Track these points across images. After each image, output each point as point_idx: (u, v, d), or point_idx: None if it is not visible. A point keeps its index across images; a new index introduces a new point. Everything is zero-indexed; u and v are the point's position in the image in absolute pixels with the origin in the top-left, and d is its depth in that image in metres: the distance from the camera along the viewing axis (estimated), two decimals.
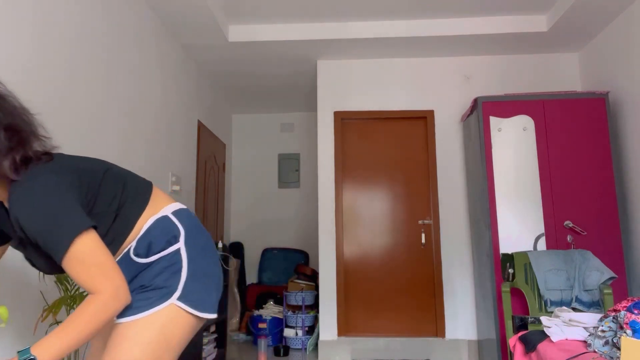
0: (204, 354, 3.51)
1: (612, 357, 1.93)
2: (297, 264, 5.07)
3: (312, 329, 4.64)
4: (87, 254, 1.11)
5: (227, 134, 5.92)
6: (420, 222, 4.35)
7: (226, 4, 3.77)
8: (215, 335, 3.86)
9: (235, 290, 5.34)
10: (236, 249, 5.84)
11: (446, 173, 4.36)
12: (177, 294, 1.23)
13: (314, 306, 4.78)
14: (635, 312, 1.97)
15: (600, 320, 2.18)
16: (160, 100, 3.72)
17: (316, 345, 4.53)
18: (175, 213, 1.33)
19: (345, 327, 4.23)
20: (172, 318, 1.22)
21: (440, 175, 4.36)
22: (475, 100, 3.84)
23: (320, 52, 4.40)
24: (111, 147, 2.93)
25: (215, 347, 3.86)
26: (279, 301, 5.18)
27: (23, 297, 2.12)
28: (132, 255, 1.26)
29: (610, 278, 2.96)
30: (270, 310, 4.86)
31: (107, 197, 1.24)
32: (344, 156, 4.49)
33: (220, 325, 4.06)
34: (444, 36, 4.07)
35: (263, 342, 3.91)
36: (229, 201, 5.99)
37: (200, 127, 4.78)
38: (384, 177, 4.45)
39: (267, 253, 5.82)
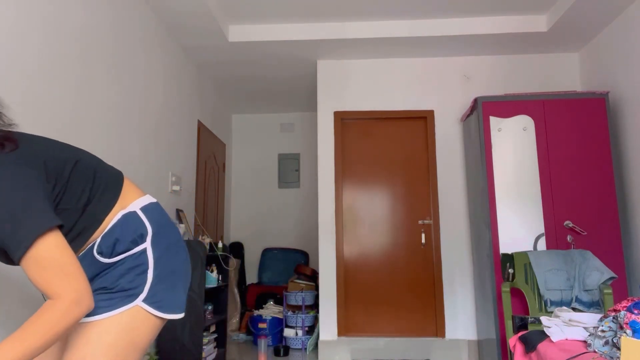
0: (204, 354, 3.51)
1: (612, 357, 1.93)
2: (297, 264, 5.07)
3: (312, 329, 4.64)
4: (48, 256, 1.01)
5: (227, 134, 5.92)
6: (420, 222, 4.35)
7: (226, 4, 3.77)
8: (215, 335, 3.86)
9: (235, 290, 5.34)
10: (236, 249, 5.84)
11: (446, 173, 4.36)
12: (143, 295, 1.18)
13: (314, 306, 4.78)
14: (635, 312, 1.97)
15: (600, 320, 2.18)
16: (161, 100, 3.72)
17: (316, 345, 4.53)
18: (144, 209, 1.25)
19: (345, 327, 4.23)
20: (137, 320, 1.17)
21: (440, 175, 4.36)
22: (475, 100, 3.84)
23: (320, 52, 4.40)
24: (111, 146, 2.93)
25: (215, 347, 3.86)
26: (279, 301, 5.18)
27: (25, 298, 2.12)
28: (95, 254, 1.19)
29: (610, 278, 2.96)
30: (270, 310, 4.86)
31: (75, 191, 1.15)
32: (344, 156, 4.49)
33: (220, 325, 4.06)
34: (444, 36, 4.07)
35: (263, 342, 3.91)
36: (229, 201, 5.99)
37: (200, 127, 4.78)
38: (384, 177, 4.45)
39: (267, 253, 5.82)
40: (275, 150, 6.16)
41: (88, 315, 1.15)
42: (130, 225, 1.21)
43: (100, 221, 1.19)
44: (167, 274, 1.23)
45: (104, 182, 1.22)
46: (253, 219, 6.02)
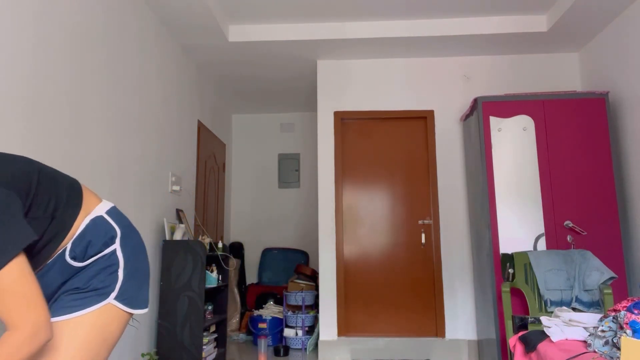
0: (204, 354, 3.51)
1: (612, 357, 1.93)
2: (297, 264, 5.07)
3: (312, 329, 4.64)
4: (12, 283, 1.01)
5: (227, 134, 5.92)
6: (420, 222, 4.35)
7: (226, 4, 3.77)
8: (215, 335, 3.86)
9: (235, 290, 5.34)
10: (236, 249, 5.84)
11: (446, 173, 4.36)
12: (114, 294, 1.25)
13: (314, 306, 4.78)
14: (635, 312, 1.97)
15: (600, 320, 2.18)
16: (160, 100, 3.72)
17: (316, 345, 4.53)
18: (108, 213, 1.32)
19: (345, 327, 4.23)
20: (109, 316, 1.23)
21: (440, 175, 4.36)
22: (475, 100, 3.84)
23: (320, 52, 4.40)
24: (110, 146, 2.93)
25: (215, 347, 3.86)
26: (279, 301, 5.18)
27: None
28: (67, 258, 1.23)
29: (610, 278, 2.96)
30: (270, 310, 4.86)
31: (42, 201, 1.17)
32: (344, 156, 4.49)
33: (220, 325, 4.06)
34: (444, 36, 4.07)
35: (263, 342, 3.91)
36: (229, 201, 5.99)
37: (200, 127, 4.78)
38: (384, 177, 4.45)
39: (267, 253, 5.82)
40: (275, 150, 6.16)
41: (62, 314, 1.19)
42: (100, 229, 1.27)
43: (69, 227, 1.22)
44: (134, 272, 1.31)
45: (67, 189, 1.25)
46: (253, 218, 6.02)
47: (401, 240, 4.34)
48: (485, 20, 4.04)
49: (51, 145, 2.34)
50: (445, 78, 4.50)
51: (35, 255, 1.19)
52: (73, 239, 1.23)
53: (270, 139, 6.21)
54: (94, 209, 1.30)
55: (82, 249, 1.23)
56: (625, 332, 1.94)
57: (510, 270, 3.19)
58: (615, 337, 2.00)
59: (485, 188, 3.69)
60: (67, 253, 1.23)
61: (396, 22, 4.09)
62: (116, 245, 1.28)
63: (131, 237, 1.34)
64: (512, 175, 3.70)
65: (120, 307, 1.25)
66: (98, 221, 1.27)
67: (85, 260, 1.24)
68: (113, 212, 1.34)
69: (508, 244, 3.59)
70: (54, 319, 1.19)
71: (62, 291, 1.23)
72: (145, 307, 1.34)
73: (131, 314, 1.31)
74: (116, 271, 1.26)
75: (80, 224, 1.25)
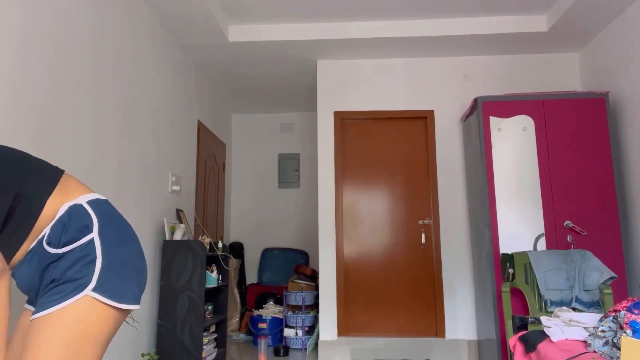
0: (204, 354, 3.51)
1: (612, 357, 1.93)
2: (297, 264, 5.07)
3: (312, 329, 4.64)
4: None
5: (227, 134, 5.92)
6: (420, 222, 4.35)
7: (226, 4, 3.77)
8: (215, 335, 3.86)
9: (235, 290, 5.34)
10: (236, 249, 5.84)
11: (446, 173, 4.36)
12: (92, 285, 1.18)
13: (314, 306, 4.78)
14: (635, 312, 1.97)
15: (600, 320, 2.18)
16: (160, 100, 3.72)
17: (316, 345, 4.53)
18: (90, 202, 1.28)
19: (345, 327, 4.23)
20: (88, 310, 1.16)
21: (440, 175, 4.36)
22: (475, 100, 3.84)
23: (320, 52, 4.40)
24: (110, 147, 2.93)
25: (215, 347, 3.86)
26: (279, 301, 5.18)
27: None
28: (44, 245, 1.20)
29: (610, 278, 2.96)
30: (270, 310, 4.86)
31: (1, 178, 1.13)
32: (344, 156, 4.49)
33: (220, 325, 4.06)
34: (444, 36, 4.07)
35: (263, 342, 3.91)
36: (229, 201, 5.99)
37: (200, 127, 4.78)
38: (384, 177, 4.45)
39: (267, 253, 5.82)
40: (275, 150, 6.17)
41: (39, 310, 1.16)
42: (76, 216, 1.23)
43: (39, 206, 1.21)
44: (119, 264, 1.24)
45: (38, 169, 1.24)
46: (253, 219, 6.02)
47: (401, 240, 4.34)
48: (484, 20, 4.04)
49: (50, 145, 2.34)
50: (445, 78, 4.50)
51: (5, 241, 1.16)
52: (51, 224, 1.21)
53: (270, 139, 6.21)
54: (77, 197, 1.26)
55: (57, 233, 1.20)
56: (625, 332, 1.94)
57: (510, 270, 3.19)
58: (615, 337, 2.00)
59: (485, 188, 3.69)
60: (44, 239, 1.20)
61: (396, 22, 4.09)
62: (93, 234, 1.22)
63: (113, 227, 1.27)
64: (512, 175, 3.70)
65: (101, 300, 1.18)
66: (74, 208, 1.24)
67: (61, 248, 1.20)
68: (96, 202, 1.29)
69: (508, 244, 3.59)
70: (35, 316, 1.16)
71: (44, 286, 1.20)
72: (135, 303, 1.25)
73: (120, 309, 1.22)
74: (93, 261, 1.19)
75: (58, 209, 1.23)
